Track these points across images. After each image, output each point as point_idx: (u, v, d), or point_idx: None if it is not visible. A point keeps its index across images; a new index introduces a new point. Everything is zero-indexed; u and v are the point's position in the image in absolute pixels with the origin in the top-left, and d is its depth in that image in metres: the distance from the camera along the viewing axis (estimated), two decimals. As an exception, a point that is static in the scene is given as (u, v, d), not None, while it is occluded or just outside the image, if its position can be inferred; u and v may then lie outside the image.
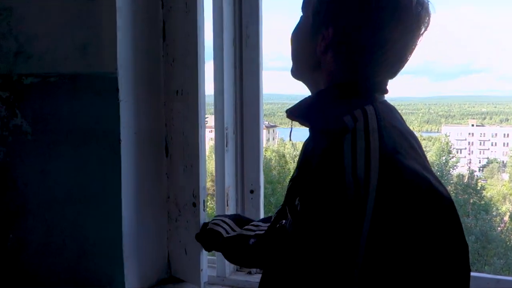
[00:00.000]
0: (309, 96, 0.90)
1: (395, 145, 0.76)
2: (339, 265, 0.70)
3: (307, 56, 0.89)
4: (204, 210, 1.53)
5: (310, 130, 0.88)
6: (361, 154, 0.73)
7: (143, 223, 1.61)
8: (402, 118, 0.87)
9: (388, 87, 0.88)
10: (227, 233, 1.25)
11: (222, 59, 1.59)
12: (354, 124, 0.77)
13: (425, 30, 0.83)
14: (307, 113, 0.87)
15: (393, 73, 0.86)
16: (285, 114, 0.92)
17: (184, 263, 1.60)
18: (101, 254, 1.59)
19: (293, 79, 0.96)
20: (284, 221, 0.86)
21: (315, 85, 0.90)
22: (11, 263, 1.70)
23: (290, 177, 0.97)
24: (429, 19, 0.83)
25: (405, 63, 0.86)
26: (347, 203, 0.70)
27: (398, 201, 0.71)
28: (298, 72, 0.94)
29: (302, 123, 0.90)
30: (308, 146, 0.87)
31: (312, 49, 0.87)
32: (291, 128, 0.97)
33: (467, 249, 0.76)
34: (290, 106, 0.92)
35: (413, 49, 0.84)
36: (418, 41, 0.84)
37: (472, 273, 1.11)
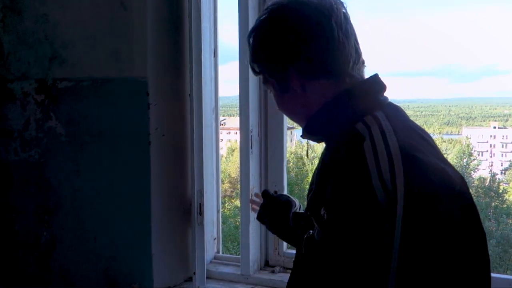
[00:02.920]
0: (314, 114, 0.89)
1: (412, 142, 0.78)
2: (374, 270, 0.71)
3: (301, 105, 0.90)
4: (199, 213, 1.64)
5: (325, 143, 0.90)
6: (383, 156, 0.74)
7: (170, 222, 1.67)
8: (407, 115, 0.89)
9: (385, 82, 0.89)
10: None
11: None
12: (369, 130, 0.79)
13: None
14: (318, 128, 0.89)
15: (357, 54, 0.87)
16: None
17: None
18: (130, 252, 1.65)
19: None
20: (311, 231, 0.88)
21: None
22: (44, 259, 1.77)
23: (310, 182, 0.98)
24: None
25: (353, 36, 0.87)
26: (377, 207, 0.71)
27: (427, 199, 0.72)
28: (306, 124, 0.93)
29: (317, 139, 0.92)
30: (324, 158, 0.89)
31: (299, 97, 0.89)
32: (308, 146, 0.96)
33: (485, 237, 0.77)
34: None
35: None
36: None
37: (501, 275, 1.10)
